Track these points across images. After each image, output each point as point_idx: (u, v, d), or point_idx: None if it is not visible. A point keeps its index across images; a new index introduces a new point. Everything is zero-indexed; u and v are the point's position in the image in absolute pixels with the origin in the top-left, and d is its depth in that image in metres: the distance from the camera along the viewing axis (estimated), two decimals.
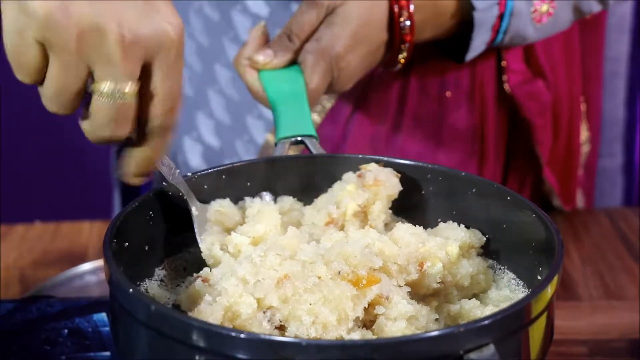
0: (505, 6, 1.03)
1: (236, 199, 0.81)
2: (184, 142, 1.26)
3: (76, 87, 0.67)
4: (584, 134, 1.29)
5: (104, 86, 0.66)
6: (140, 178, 0.73)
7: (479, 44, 1.05)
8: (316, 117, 1.15)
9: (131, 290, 0.64)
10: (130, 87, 0.67)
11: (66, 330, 0.89)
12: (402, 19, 0.99)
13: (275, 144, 0.88)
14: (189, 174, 0.80)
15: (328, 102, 1.15)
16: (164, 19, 0.67)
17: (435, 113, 1.18)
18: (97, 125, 0.68)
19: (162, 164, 0.75)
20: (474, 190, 0.80)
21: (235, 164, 0.82)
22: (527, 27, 1.06)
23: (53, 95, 0.67)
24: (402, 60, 1.02)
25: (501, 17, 1.04)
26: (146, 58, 0.67)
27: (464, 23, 1.04)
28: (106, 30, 0.65)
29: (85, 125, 0.70)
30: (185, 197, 0.77)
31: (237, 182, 0.82)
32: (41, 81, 0.68)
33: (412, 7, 0.98)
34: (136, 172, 0.72)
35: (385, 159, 0.83)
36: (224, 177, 0.81)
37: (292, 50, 0.97)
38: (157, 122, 0.69)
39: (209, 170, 0.81)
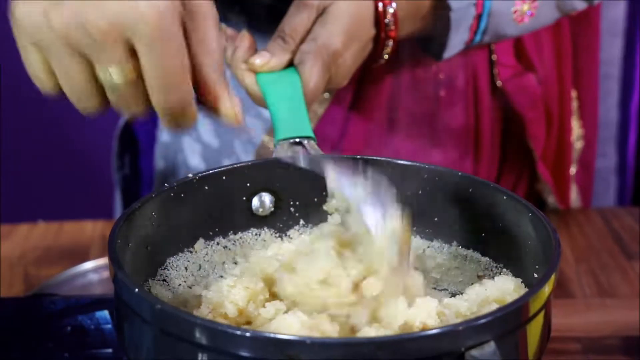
0: (482, 7, 1.04)
1: (236, 200, 0.82)
2: (183, 142, 1.26)
3: (84, 81, 0.68)
4: (576, 130, 1.29)
5: (101, 74, 0.68)
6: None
7: (456, 43, 1.06)
8: (312, 116, 1.16)
9: (137, 290, 0.65)
10: (120, 72, 0.68)
11: (69, 328, 0.90)
12: (386, 16, 1.00)
13: (275, 146, 0.89)
14: (190, 175, 0.81)
15: (320, 108, 1.16)
16: (137, 11, 0.68)
17: (429, 111, 1.18)
18: (115, 104, 0.70)
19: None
20: (470, 190, 0.80)
21: (235, 165, 0.83)
22: (507, 26, 1.07)
23: (71, 94, 0.68)
24: (386, 56, 1.03)
25: (479, 17, 1.05)
26: (127, 40, 0.68)
27: (442, 23, 1.05)
28: (84, 23, 0.67)
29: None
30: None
31: (238, 183, 0.83)
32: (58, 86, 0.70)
33: (394, 4, 0.99)
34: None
35: (383, 159, 0.84)
36: (224, 177, 0.82)
37: (289, 51, 0.97)
38: (160, 107, 0.70)
39: (209, 171, 0.81)
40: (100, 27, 0.67)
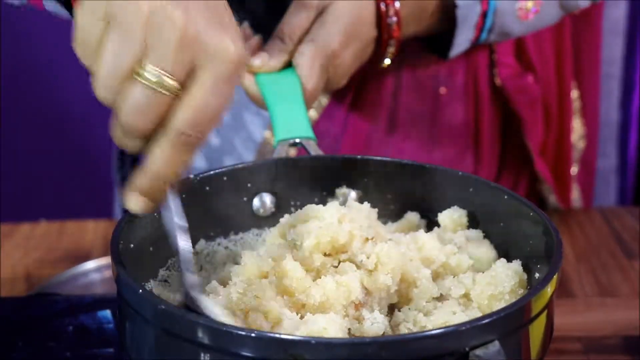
0: (488, 4, 1.04)
1: (237, 201, 0.82)
2: None
3: (127, 68, 0.64)
4: (578, 129, 1.29)
5: (150, 71, 0.64)
6: (146, 203, 0.68)
7: (462, 41, 1.06)
8: (313, 113, 1.16)
9: (140, 290, 0.65)
10: (172, 82, 0.65)
11: (71, 327, 0.90)
12: (389, 16, 1.00)
13: (274, 147, 0.89)
14: (191, 175, 0.81)
15: (324, 98, 1.16)
16: (229, 37, 0.66)
17: (430, 109, 1.19)
18: (123, 113, 0.65)
19: (169, 196, 0.68)
20: (471, 190, 0.80)
21: (236, 166, 0.83)
22: (512, 24, 1.07)
23: (105, 75, 0.64)
24: (390, 56, 1.03)
25: (484, 15, 1.05)
26: (197, 62, 0.65)
27: (448, 21, 1.05)
28: (174, 17, 0.64)
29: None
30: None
31: (238, 183, 0.83)
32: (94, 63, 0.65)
33: (397, 4, 1.00)
34: (144, 189, 0.67)
35: (384, 159, 0.84)
36: (225, 178, 0.82)
37: (287, 51, 0.97)
38: (181, 129, 0.66)
39: (210, 172, 0.82)
40: (186, 35, 0.64)
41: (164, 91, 0.64)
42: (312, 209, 0.76)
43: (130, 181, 0.68)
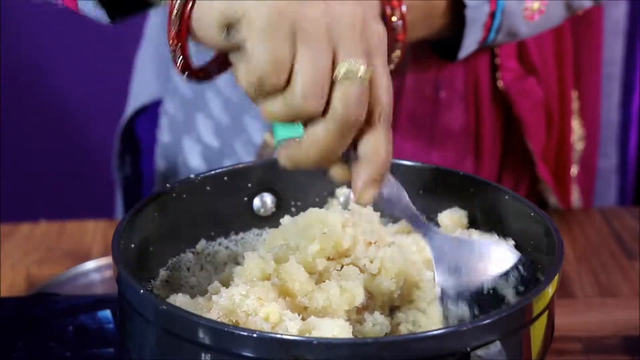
0: (496, 4, 1.04)
1: (238, 201, 0.82)
2: (183, 143, 1.27)
3: (326, 73, 0.66)
4: (577, 130, 1.29)
5: (346, 66, 0.66)
6: (372, 190, 0.70)
7: (471, 42, 1.06)
8: None
9: (141, 290, 0.65)
10: (367, 69, 0.67)
11: (71, 327, 0.90)
12: (394, 19, 1.00)
13: (275, 146, 0.89)
14: (192, 175, 0.81)
15: None
16: (377, 23, 0.70)
17: (430, 112, 1.19)
18: (340, 113, 0.67)
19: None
20: (472, 190, 0.81)
21: (237, 165, 0.83)
22: (519, 25, 1.07)
23: (307, 89, 0.66)
24: (396, 60, 1.03)
25: (492, 15, 1.05)
26: (369, 48, 0.68)
27: (456, 22, 1.05)
28: (347, 12, 0.67)
29: (326, 124, 0.68)
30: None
31: (239, 183, 0.83)
32: (287, 82, 0.67)
33: (404, 8, 1.00)
34: (374, 178, 0.69)
35: None
36: (225, 178, 0.82)
37: None
38: (387, 111, 0.69)
39: (211, 172, 0.82)
40: (360, 25, 0.67)
41: (366, 80, 0.67)
42: (315, 213, 0.76)
43: (358, 171, 0.69)
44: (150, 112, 1.31)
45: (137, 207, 0.76)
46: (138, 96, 1.32)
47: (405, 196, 0.72)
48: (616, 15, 1.30)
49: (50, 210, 1.46)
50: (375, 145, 0.69)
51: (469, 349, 0.61)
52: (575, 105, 1.28)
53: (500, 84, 1.18)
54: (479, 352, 0.61)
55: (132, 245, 0.74)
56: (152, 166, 1.32)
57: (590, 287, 1.09)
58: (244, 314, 0.68)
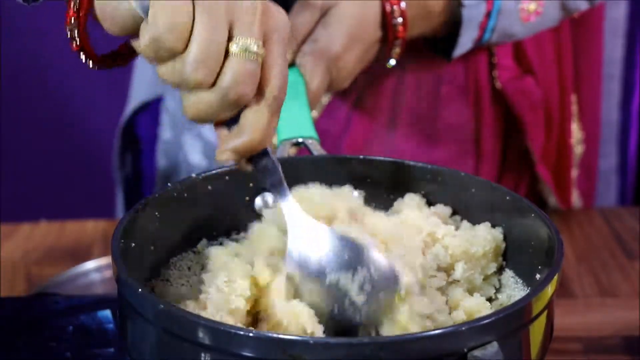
0: (492, 4, 1.04)
1: (239, 200, 0.82)
2: (184, 140, 1.27)
3: (220, 46, 0.67)
4: (576, 133, 1.30)
5: (240, 42, 0.68)
6: (231, 156, 0.71)
7: (466, 41, 1.06)
8: (314, 112, 1.16)
9: (140, 290, 0.65)
10: (260, 47, 0.68)
11: (71, 327, 0.90)
12: (394, 17, 1.00)
13: (277, 146, 0.89)
14: (193, 174, 0.81)
15: (325, 97, 1.16)
16: (280, 10, 0.71)
17: (431, 109, 1.19)
18: (226, 86, 0.68)
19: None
20: (473, 190, 0.80)
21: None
22: (514, 25, 1.07)
23: (199, 58, 0.67)
24: (396, 56, 1.03)
25: (488, 15, 1.05)
26: (267, 31, 0.69)
27: (452, 21, 1.05)
28: None
29: (211, 94, 0.69)
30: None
31: (240, 182, 0.82)
32: (185, 47, 0.68)
33: (403, 5, 1.00)
34: (242, 150, 0.70)
35: (387, 159, 0.84)
36: (227, 177, 0.82)
37: (290, 51, 0.97)
38: (275, 93, 0.70)
39: (213, 171, 0.82)
40: (262, 6, 0.68)
41: (259, 59, 0.68)
42: (299, 191, 0.79)
43: (225, 144, 0.70)
44: (151, 109, 1.31)
45: (137, 207, 0.76)
46: (139, 93, 1.32)
47: (279, 172, 0.73)
48: (616, 15, 1.30)
49: (50, 210, 1.46)
50: (253, 123, 0.69)
51: (465, 350, 0.61)
52: (574, 108, 1.28)
53: (497, 83, 1.18)
54: (476, 352, 0.61)
55: (133, 245, 0.73)
56: (152, 165, 1.32)
57: (590, 287, 1.09)
58: (240, 297, 0.68)
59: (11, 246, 1.17)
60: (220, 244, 0.82)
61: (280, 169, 0.73)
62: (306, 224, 0.73)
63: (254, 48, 0.68)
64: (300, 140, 0.89)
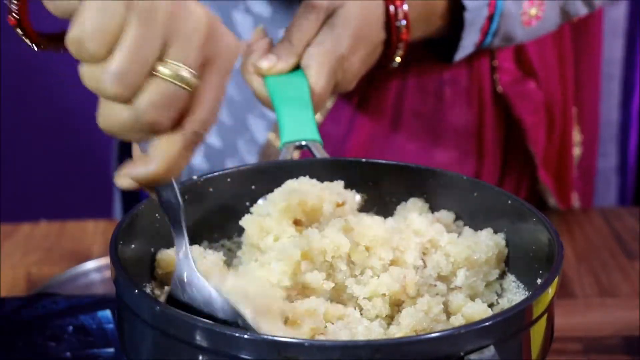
0: (495, 7, 1.04)
1: (240, 202, 0.83)
2: None
3: (151, 63, 0.61)
4: (575, 136, 1.30)
5: (171, 66, 0.61)
6: (129, 181, 0.64)
7: (468, 44, 1.06)
8: (318, 117, 1.16)
9: (137, 291, 0.65)
10: (193, 76, 0.61)
11: (71, 327, 0.91)
12: (398, 19, 1.00)
13: (280, 149, 0.89)
14: (195, 176, 0.81)
15: (330, 100, 1.16)
16: (230, 37, 0.64)
17: (433, 111, 1.19)
18: (141, 109, 0.61)
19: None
20: (475, 194, 0.80)
21: (240, 167, 0.83)
22: (515, 29, 1.07)
23: (120, 70, 0.60)
24: (399, 59, 1.03)
25: (490, 18, 1.05)
26: (208, 57, 0.63)
27: (454, 23, 1.05)
28: (198, 12, 0.62)
29: (126, 111, 0.61)
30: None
31: (242, 185, 0.83)
32: (108, 54, 0.60)
33: (405, 7, 0.99)
34: (144, 180, 0.64)
35: (389, 162, 0.84)
36: (228, 180, 0.82)
37: (295, 53, 0.97)
38: (197, 128, 0.63)
39: (214, 174, 0.81)
40: (208, 29, 0.62)
41: (186, 87, 0.61)
42: (288, 183, 0.80)
43: (129, 167, 0.64)
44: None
45: (137, 208, 0.76)
46: None
47: (180, 213, 0.67)
48: (616, 15, 1.31)
49: (50, 210, 1.46)
50: (162, 154, 0.63)
51: (462, 354, 0.61)
52: (574, 111, 1.28)
53: (498, 87, 1.18)
54: (473, 356, 0.61)
55: (132, 246, 0.73)
56: None
57: (590, 287, 1.09)
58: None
59: (11, 246, 1.18)
60: (222, 246, 0.82)
61: (182, 209, 0.67)
62: (196, 282, 0.68)
63: (186, 76, 0.61)
64: (303, 143, 0.89)
